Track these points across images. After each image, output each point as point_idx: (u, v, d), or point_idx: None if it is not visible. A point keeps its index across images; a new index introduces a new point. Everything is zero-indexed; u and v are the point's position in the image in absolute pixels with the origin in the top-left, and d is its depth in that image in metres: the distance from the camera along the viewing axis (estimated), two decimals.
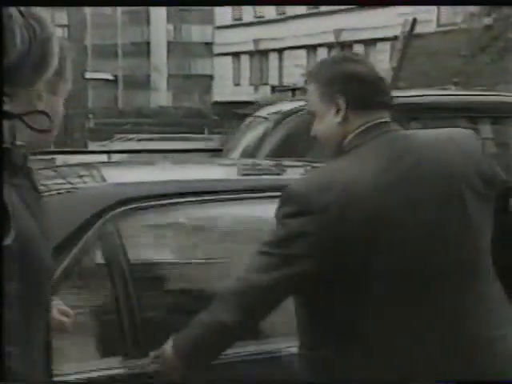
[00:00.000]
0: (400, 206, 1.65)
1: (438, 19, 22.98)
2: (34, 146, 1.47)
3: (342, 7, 26.12)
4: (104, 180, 2.44)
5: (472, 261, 1.72)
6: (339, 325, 1.68)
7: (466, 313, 1.70)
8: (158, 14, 37.31)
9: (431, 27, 21.35)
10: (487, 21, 14.77)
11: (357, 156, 1.71)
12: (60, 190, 2.20)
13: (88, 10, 31.39)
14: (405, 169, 1.68)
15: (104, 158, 5.79)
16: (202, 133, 16.36)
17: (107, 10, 35.18)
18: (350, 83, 1.74)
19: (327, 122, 1.77)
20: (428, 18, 21.15)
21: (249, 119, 4.93)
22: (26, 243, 1.29)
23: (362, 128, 1.74)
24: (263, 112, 4.60)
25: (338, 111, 1.75)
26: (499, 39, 14.84)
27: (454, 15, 16.56)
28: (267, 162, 3.12)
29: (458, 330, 1.68)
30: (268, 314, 1.71)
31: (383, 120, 1.75)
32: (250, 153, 4.16)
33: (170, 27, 38.45)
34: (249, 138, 4.52)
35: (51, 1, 1.36)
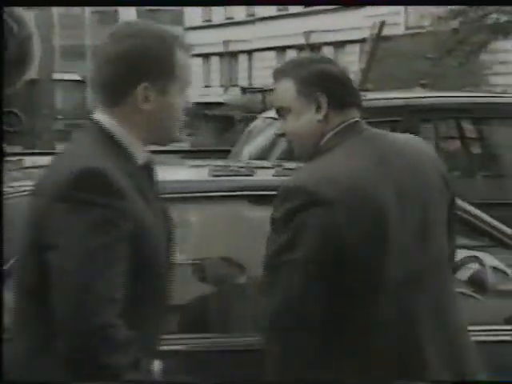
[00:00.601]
0: (391, 202, 1.67)
1: (406, 22, 23.19)
2: (151, 142, 1.53)
3: (312, 9, 26.23)
4: None
5: (442, 259, 1.77)
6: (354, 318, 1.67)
7: (444, 307, 1.74)
8: (128, 14, 37.07)
9: (399, 30, 21.55)
10: (454, 24, 14.91)
11: (341, 153, 1.72)
12: (28, 191, 2.18)
13: (55, 10, 31.09)
14: (391, 167, 1.71)
15: None
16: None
17: (75, 10, 34.86)
18: (330, 82, 1.76)
19: (305, 120, 1.76)
20: (396, 20, 21.35)
21: (256, 120, 4.89)
22: (141, 229, 1.34)
23: (341, 127, 1.75)
24: (273, 113, 4.57)
25: (318, 109, 1.75)
26: (465, 43, 15.01)
27: (422, 18, 16.71)
28: (238, 163, 3.13)
29: (445, 320, 1.73)
30: (314, 316, 1.64)
31: (357, 119, 1.78)
32: (261, 154, 4.12)
33: None
34: (258, 139, 4.48)
35: (48, 1, 1.35)
